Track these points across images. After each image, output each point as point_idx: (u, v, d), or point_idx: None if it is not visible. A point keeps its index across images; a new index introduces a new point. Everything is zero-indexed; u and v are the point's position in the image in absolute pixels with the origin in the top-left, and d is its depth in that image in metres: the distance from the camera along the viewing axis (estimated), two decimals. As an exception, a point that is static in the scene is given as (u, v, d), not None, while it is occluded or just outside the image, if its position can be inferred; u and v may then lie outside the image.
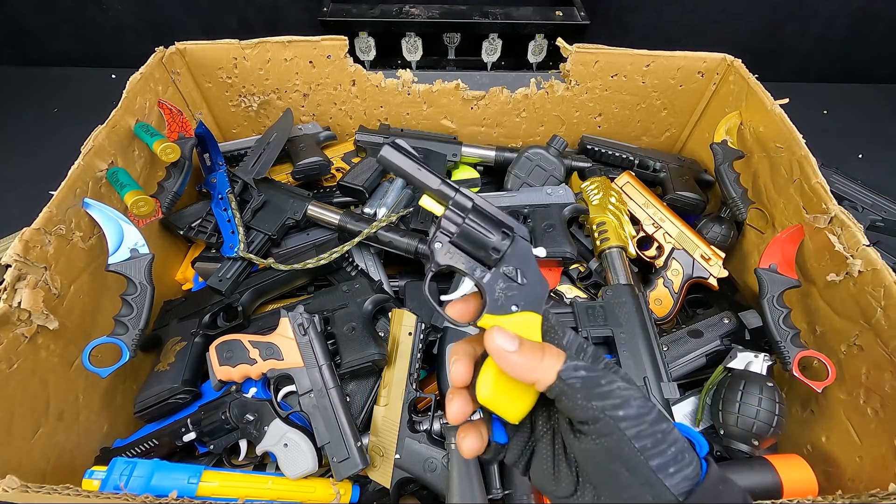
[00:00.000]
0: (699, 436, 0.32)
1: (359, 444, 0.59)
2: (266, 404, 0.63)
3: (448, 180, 0.36)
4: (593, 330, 0.68)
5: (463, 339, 0.37)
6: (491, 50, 1.26)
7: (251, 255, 0.73)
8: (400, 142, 0.37)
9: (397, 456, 0.61)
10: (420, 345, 0.68)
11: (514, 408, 0.33)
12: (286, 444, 0.60)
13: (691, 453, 0.31)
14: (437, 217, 0.37)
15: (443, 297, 0.37)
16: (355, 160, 0.94)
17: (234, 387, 0.66)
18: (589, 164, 0.90)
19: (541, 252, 0.38)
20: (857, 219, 0.60)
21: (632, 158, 0.93)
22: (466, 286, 0.37)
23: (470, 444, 0.35)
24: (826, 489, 0.59)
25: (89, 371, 0.57)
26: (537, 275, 0.36)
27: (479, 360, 0.35)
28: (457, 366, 0.34)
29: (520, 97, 0.92)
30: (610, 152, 0.94)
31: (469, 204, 0.36)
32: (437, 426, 0.66)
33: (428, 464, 0.60)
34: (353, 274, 0.77)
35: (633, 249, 0.80)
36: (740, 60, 0.84)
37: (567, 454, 0.34)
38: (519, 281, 0.35)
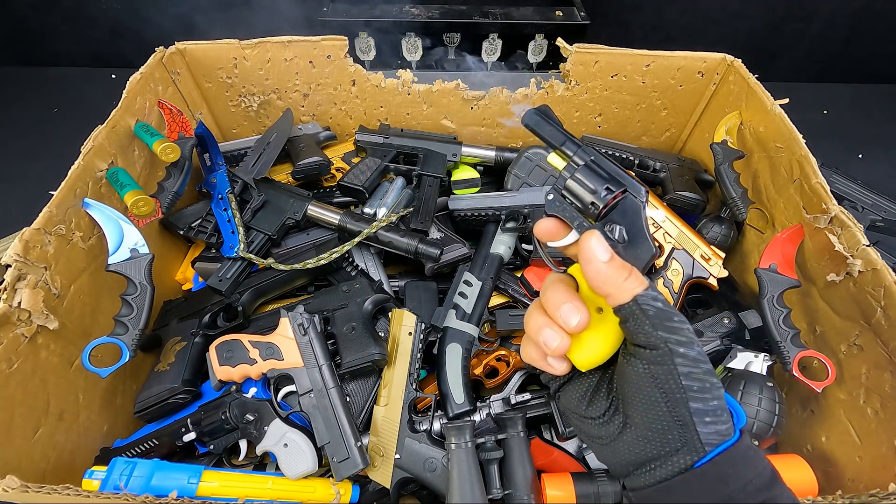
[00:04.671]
0: (740, 408, 0.33)
1: (359, 444, 0.59)
2: (266, 404, 0.63)
3: (576, 140, 0.38)
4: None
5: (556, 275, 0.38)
6: (491, 50, 1.26)
7: (251, 255, 0.73)
8: (544, 107, 0.40)
9: (397, 456, 0.61)
10: (420, 345, 0.68)
11: (591, 357, 0.35)
12: (286, 444, 0.60)
13: (730, 416, 0.31)
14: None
15: (550, 244, 0.39)
16: (355, 160, 0.94)
17: (234, 387, 0.66)
18: None
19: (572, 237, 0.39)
20: (857, 219, 0.60)
21: (632, 158, 0.93)
22: (573, 236, 0.38)
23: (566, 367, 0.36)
24: (826, 489, 0.59)
25: (89, 371, 0.57)
26: (642, 237, 0.36)
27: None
28: (579, 309, 0.34)
29: (520, 97, 0.92)
30: (610, 152, 0.94)
31: (582, 161, 0.37)
32: (437, 426, 0.66)
33: (428, 464, 0.60)
34: (353, 274, 0.77)
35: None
36: (740, 60, 0.84)
37: (609, 382, 0.36)
38: (617, 238, 0.36)
